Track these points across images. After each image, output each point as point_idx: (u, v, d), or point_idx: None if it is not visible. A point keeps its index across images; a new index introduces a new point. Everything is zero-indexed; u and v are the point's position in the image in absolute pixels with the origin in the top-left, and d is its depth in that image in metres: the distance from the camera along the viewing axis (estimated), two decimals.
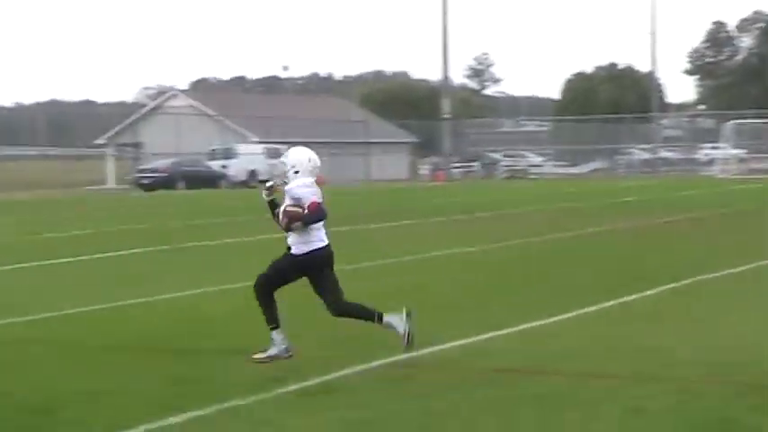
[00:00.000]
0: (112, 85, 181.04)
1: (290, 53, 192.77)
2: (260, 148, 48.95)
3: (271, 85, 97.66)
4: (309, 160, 7.33)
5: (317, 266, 7.15)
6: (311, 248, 7.04)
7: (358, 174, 52.26)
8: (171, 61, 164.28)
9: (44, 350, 8.25)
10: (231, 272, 12.54)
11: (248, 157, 48.02)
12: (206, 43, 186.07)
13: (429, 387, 6.53)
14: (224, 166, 47.64)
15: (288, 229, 7.08)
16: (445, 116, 57.20)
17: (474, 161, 61.99)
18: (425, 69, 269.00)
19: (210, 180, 45.87)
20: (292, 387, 6.49)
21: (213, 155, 48.44)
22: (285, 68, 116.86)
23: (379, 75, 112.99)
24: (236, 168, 47.69)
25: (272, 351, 7.10)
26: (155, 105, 62.93)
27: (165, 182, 43.75)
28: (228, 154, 48.88)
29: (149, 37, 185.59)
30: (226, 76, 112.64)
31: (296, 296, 7.60)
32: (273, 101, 70.05)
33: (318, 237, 7.14)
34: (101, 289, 12.16)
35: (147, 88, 73.31)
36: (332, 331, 7.76)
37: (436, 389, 6.42)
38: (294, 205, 7.00)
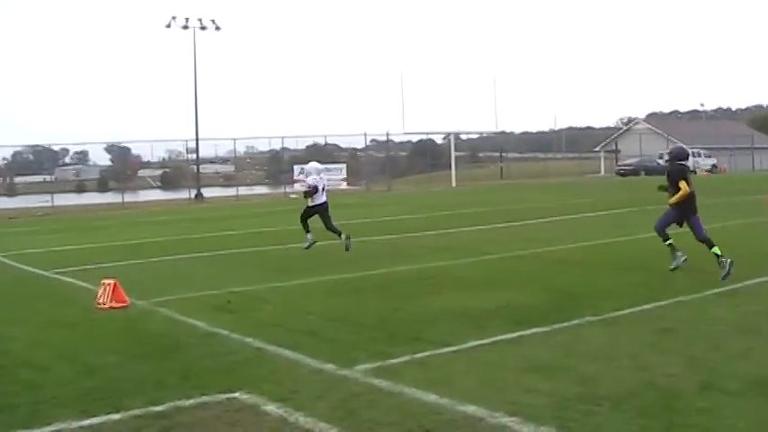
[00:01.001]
0: (602, 113, 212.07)
1: (704, 91, 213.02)
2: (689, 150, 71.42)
3: (693, 115, 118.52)
4: (315, 169, 17.52)
5: (321, 211, 17.12)
6: (315, 203, 17.24)
7: (747, 166, 73.99)
8: (634, 96, 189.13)
9: (569, 266, 14.05)
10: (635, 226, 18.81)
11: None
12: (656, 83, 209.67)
13: None
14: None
15: (305, 196, 17.35)
16: None
17: None
18: None
19: (660, 171, 67.70)
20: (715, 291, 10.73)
21: (661, 156, 70.61)
22: (701, 105, 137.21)
23: (759, 107, 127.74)
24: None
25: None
26: (626, 128, 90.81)
27: (633, 172, 66.11)
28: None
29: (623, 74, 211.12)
30: (665, 110, 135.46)
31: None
32: (696, 124, 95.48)
33: (318, 199, 17.12)
34: (604, 231, 19.90)
35: (621, 118, 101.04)
36: None
37: None
38: (308, 188, 17.26)
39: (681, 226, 12.42)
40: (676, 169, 12.45)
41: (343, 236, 17.01)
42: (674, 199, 12.24)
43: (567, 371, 7.08)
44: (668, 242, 12.45)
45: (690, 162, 14.31)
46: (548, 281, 12.24)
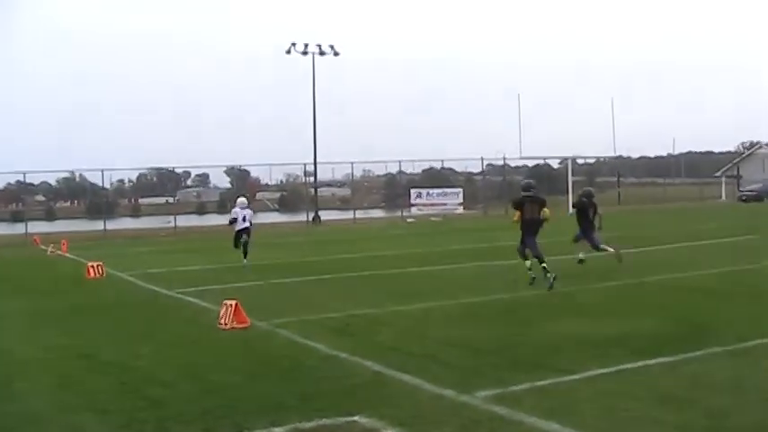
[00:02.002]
0: (723, 137, 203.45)
1: None
2: None
3: None
4: (239, 203, 22.43)
5: (243, 234, 21.67)
6: (239, 228, 21.87)
7: None
8: (756, 120, 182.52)
9: (692, 294, 13.60)
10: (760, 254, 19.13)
11: None
12: None
13: None
14: None
15: (229, 223, 22.42)
16: None
17: None
18: None
19: None
20: None
21: None
22: None
23: None
24: None
25: None
26: (748, 152, 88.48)
27: (756, 198, 63.83)
28: None
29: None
30: None
31: None
32: None
33: (241, 225, 21.74)
34: (727, 259, 19.18)
35: (743, 142, 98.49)
36: None
37: None
38: (230, 218, 22.46)
39: None
40: None
41: (245, 260, 21.52)
42: None
43: (694, 403, 6.87)
44: None
45: None
46: (671, 309, 11.92)
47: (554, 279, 14.39)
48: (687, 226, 32.86)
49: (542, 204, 15.79)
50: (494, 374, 8.02)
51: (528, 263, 15.40)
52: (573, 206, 15.94)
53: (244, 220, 22.06)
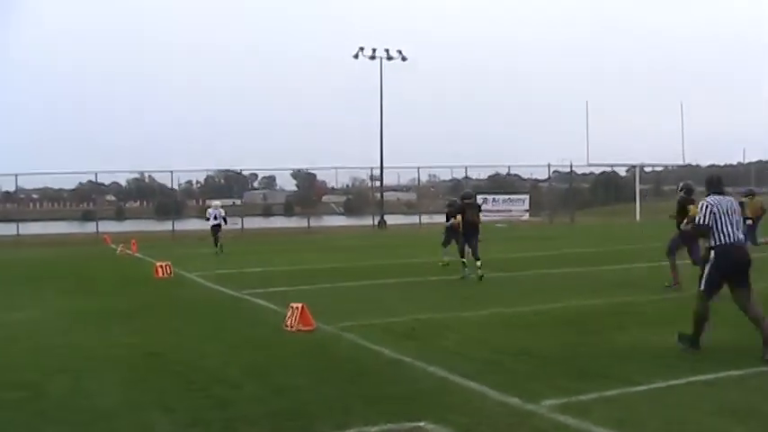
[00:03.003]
0: None
1: None
2: None
3: None
4: (213, 205, 32.10)
5: (215, 229, 30.93)
6: (212, 225, 31.00)
7: None
8: None
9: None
10: None
11: None
12: None
13: None
14: None
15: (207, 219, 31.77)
16: None
17: None
18: None
19: None
20: None
21: None
22: None
23: None
24: None
25: None
26: None
27: None
28: None
29: None
30: None
31: None
32: None
33: (212, 222, 30.87)
34: None
35: None
36: None
37: None
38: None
39: None
40: None
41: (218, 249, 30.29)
42: None
43: (763, 416, 6.76)
44: None
45: None
46: (739, 322, 11.61)
47: (482, 276, 17.52)
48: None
49: (479, 209, 19.35)
50: (560, 383, 7.95)
51: (465, 260, 18.32)
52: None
53: (215, 218, 31.04)
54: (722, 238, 9.24)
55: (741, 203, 18.39)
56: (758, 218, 24.48)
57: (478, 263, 17.86)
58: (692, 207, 13.32)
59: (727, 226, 9.27)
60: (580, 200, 69.87)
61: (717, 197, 9.49)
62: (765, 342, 8.95)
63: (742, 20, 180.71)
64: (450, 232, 20.97)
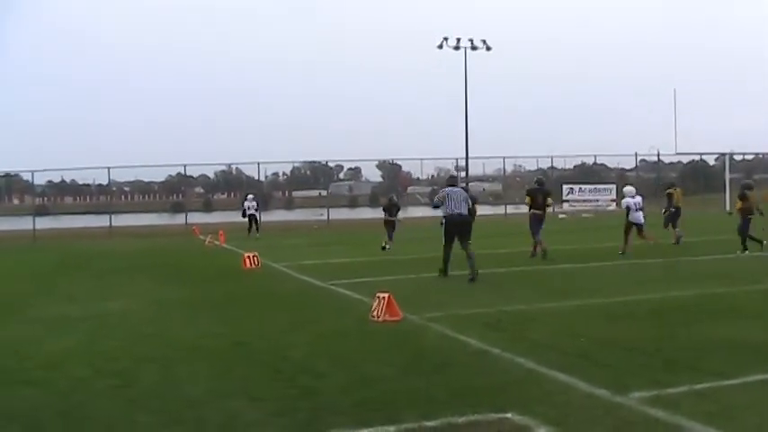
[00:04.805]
0: None
1: None
2: None
3: None
4: (250, 200, 38.48)
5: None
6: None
7: None
8: None
9: None
10: None
11: None
12: None
13: None
14: None
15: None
16: None
17: None
18: None
19: None
20: None
21: None
22: None
23: None
24: None
25: None
26: None
27: None
28: None
29: None
30: None
31: None
32: None
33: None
34: None
35: None
36: None
37: None
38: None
39: None
40: None
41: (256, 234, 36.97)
42: None
43: None
44: None
45: None
46: None
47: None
48: None
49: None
50: (648, 375, 7.80)
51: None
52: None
53: (249, 209, 38.42)
54: None
55: None
56: None
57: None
58: None
59: None
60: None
61: None
62: None
63: None
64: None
